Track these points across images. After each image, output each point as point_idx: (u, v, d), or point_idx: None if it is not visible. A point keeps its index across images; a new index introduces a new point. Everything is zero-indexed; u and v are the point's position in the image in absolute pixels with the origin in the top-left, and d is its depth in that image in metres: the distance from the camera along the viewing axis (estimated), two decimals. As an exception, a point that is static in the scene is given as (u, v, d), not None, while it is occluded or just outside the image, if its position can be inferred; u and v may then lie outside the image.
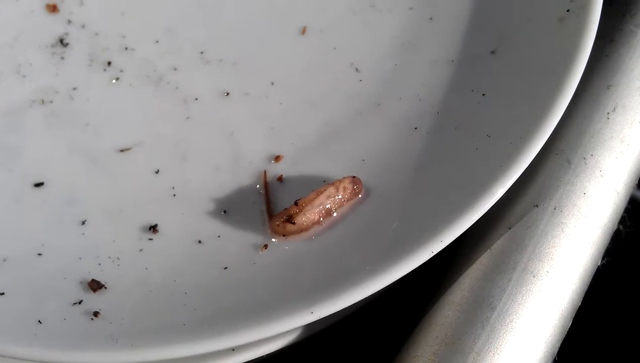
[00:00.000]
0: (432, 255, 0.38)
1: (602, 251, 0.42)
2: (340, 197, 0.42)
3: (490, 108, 0.44)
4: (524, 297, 0.39)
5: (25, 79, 0.50)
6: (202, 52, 0.50)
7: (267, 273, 0.40)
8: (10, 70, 0.50)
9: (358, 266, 0.38)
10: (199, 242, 0.42)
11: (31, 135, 0.48)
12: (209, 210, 0.44)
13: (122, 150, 0.47)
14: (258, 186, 0.44)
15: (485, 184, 0.39)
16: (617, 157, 0.43)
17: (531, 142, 0.40)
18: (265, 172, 0.45)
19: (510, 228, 0.41)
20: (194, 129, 0.47)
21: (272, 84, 0.48)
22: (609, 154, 0.43)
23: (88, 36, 0.51)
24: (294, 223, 0.41)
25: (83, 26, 0.52)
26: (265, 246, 0.41)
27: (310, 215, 0.41)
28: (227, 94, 0.48)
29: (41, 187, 0.45)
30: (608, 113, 0.44)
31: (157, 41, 0.51)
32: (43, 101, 0.49)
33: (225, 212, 0.44)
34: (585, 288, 0.41)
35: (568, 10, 0.45)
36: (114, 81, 0.50)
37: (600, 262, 0.42)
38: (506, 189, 0.39)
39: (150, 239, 0.43)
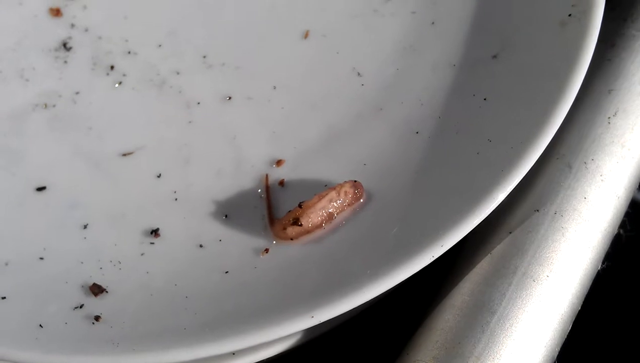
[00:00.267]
0: (432, 259, 0.38)
1: (603, 255, 0.42)
2: (341, 201, 0.42)
3: (491, 112, 0.44)
4: (524, 302, 0.39)
5: (29, 82, 0.50)
6: (204, 56, 0.50)
7: (268, 277, 0.40)
8: (13, 74, 0.50)
9: (359, 270, 0.38)
10: (201, 246, 0.42)
11: (34, 139, 0.48)
12: (211, 214, 0.44)
13: (124, 154, 0.47)
14: (260, 190, 0.44)
15: (486, 189, 0.39)
16: (617, 161, 0.43)
17: (532, 146, 0.40)
18: (267, 176, 0.45)
19: (510, 232, 0.41)
20: (196, 133, 0.47)
21: (274, 88, 0.49)
22: (610, 159, 0.43)
23: (91, 40, 0.52)
24: (300, 225, 0.41)
25: (86, 30, 0.52)
26: (267, 250, 0.41)
27: (314, 218, 0.41)
28: (230, 98, 0.48)
29: (44, 191, 0.45)
30: (609, 117, 0.44)
31: (160, 45, 0.51)
32: (46, 105, 0.49)
33: (226, 216, 0.44)
34: (585, 292, 0.41)
35: (570, 15, 0.45)
36: (116, 85, 0.50)
37: (600, 266, 0.42)
38: (507, 194, 0.39)
39: (152, 243, 0.43)
